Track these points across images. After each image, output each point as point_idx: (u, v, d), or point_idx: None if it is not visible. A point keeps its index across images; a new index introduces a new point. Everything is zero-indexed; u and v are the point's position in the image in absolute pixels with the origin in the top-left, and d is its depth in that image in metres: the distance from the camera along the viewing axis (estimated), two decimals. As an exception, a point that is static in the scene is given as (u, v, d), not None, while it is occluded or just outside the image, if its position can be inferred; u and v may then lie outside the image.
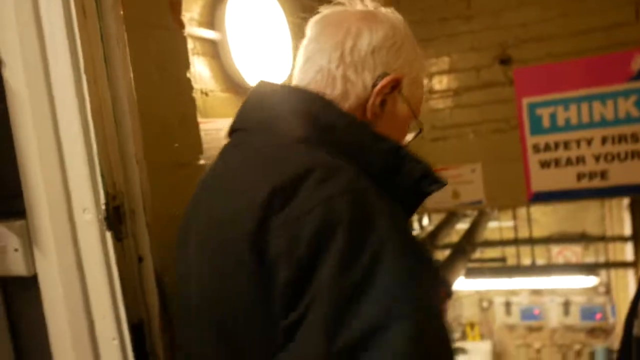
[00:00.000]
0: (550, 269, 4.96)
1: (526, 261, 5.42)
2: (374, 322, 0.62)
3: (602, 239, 5.45)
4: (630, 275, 6.04)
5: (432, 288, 0.71)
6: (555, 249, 7.37)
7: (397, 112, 0.89)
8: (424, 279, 0.70)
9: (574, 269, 4.79)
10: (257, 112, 0.87)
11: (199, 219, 0.85)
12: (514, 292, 7.83)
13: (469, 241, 4.84)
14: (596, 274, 4.68)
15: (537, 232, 5.82)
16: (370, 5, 0.91)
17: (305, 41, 0.91)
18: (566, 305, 7.88)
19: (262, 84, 0.91)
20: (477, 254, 5.34)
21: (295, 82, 0.91)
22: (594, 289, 7.22)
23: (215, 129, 1.58)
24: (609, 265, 5.12)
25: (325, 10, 0.91)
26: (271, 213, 0.69)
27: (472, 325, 8.00)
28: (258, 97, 0.89)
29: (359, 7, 0.90)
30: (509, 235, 5.45)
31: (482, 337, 8.07)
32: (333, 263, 0.64)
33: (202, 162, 1.31)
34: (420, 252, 0.72)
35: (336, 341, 0.62)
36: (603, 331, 7.83)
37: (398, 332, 0.62)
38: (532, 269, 4.89)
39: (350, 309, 0.63)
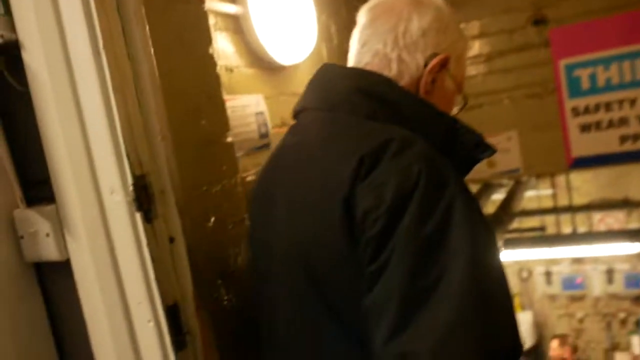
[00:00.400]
0: (592, 236, 4.82)
1: (566, 230, 5.28)
2: (446, 266, 0.73)
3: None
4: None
5: (492, 239, 0.83)
6: (596, 217, 7.16)
7: (445, 88, 0.97)
8: (486, 231, 0.80)
9: (617, 235, 4.63)
10: (328, 93, 0.95)
11: (287, 184, 0.93)
12: (554, 262, 7.65)
13: (506, 211, 4.73)
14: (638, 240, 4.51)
15: (578, 200, 5.66)
16: None
17: (359, 27, 0.98)
18: (609, 273, 7.68)
19: (328, 67, 0.99)
20: (515, 224, 5.22)
21: (352, 64, 0.98)
22: (638, 256, 7.00)
23: (241, 106, 1.54)
24: (654, 230, 4.94)
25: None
26: (359, 179, 0.78)
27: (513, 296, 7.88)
28: (325, 79, 0.98)
29: None
30: (548, 204, 5.31)
31: (522, 307, 7.93)
32: (411, 218, 0.74)
33: (229, 139, 1.28)
34: (479, 210, 0.83)
35: (415, 283, 0.72)
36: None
37: (465, 275, 0.72)
38: (573, 237, 4.75)
39: (427, 256, 0.73)
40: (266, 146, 1.65)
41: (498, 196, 5.21)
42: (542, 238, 4.85)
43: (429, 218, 0.75)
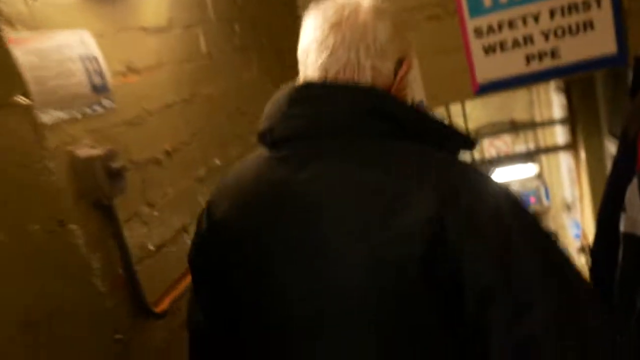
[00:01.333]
0: (489, 163, 4.76)
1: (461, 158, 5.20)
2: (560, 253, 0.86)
3: (536, 125, 5.27)
4: (562, 158, 6.01)
5: None
6: (486, 142, 7.26)
7: (407, 88, 0.97)
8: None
9: (513, 159, 4.60)
10: (328, 116, 0.88)
11: (330, 226, 0.82)
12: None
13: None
14: (534, 161, 4.51)
15: (470, 126, 5.57)
16: None
17: (316, 35, 0.91)
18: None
19: (309, 86, 0.90)
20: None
21: (318, 74, 0.90)
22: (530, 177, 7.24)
23: (55, 47, 1.04)
24: (548, 150, 4.98)
25: (326, 7, 0.92)
26: (447, 207, 0.78)
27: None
28: (314, 101, 0.89)
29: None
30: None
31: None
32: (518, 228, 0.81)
33: (25, 101, 0.80)
34: None
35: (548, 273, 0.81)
36: (537, 215, 7.99)
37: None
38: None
39: (548, 252, 0.84)
40: (106, 105, 1.17)
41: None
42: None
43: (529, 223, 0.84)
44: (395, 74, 0.92)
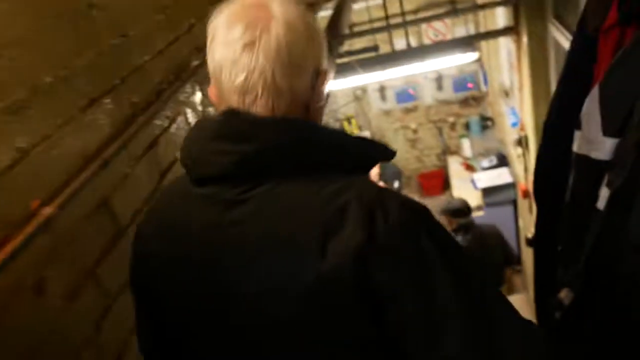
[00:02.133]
0: (427, 50, 4.37)
1: (399, 42, 4.78)
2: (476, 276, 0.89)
3: (477, 7, 4.84)
4: (501, 42, 5.68)
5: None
6: (423, 25, 6.80)
7: (324, 96, 0.96)
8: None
9: (450, 45, 4.22)
10: (249, 157, 0.85)
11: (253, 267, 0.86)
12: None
13: (335, 32, 4.06)
14: (475, 49, 4.16)
15: (407, 6, 5.04)
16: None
17: (228, 54, 0.87)
18: (439, 80, 7.64)
19: (230, 120, 0.88)
20: (346, 46, 4.61)
21: (236, 98, 0.88)
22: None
23: None
24: (488, 35, 4.63)
25: (235, 17, 0.88)
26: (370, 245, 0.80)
27: (349, 119, 7.63)
28: (236, 139, 0.86)
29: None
30: (379, 14, 4.69)
31: (360, 128, 7.79)
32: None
33: None
34: None
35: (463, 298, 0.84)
36: (475, 100, 7.81)
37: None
38: (408, 54, 4.27)
39: (462, 276, 0.85)
40: None
41: (325, 13, 4.50)
42: (376, 59, 4.32)
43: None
44: (312, 86, 0.92)
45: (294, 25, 0.88)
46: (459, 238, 4.53)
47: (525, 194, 4.67)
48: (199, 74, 1.79)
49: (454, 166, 7.08)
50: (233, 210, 0.86)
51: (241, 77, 0.87)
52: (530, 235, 4.93)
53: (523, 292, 5.95)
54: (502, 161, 5.95)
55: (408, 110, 8.06)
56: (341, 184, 0.84)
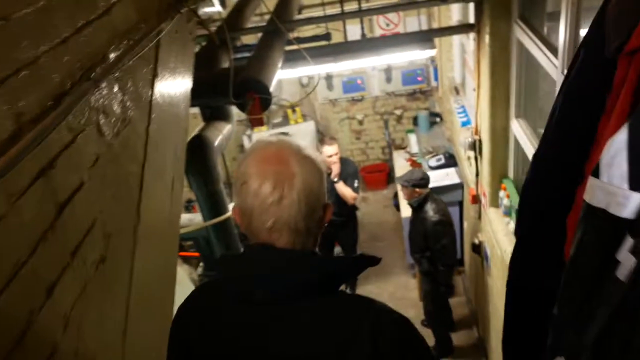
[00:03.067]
0: (385, 43, 4.07)
1: (352, 32, 4.47)
2: None
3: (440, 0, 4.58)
4: (455, 37, 5.48)
5: None
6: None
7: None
8: None
9: (408, 39, 3.95)
10: (285, 286, 1.13)
11: None
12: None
13: (284, 18, 3.71)
14: (433, 45, 3.90)
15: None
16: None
17: (258, 201, 1.13)
18: (388, 71, 7.40)
19: (269, 254, 1.16)
20: (295, 33, 4.25)
21: (265, 235, 1.16)
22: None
23: None
24: (446, 30, 4.38)
25: (265, 173, 1.13)
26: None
27: (293, 107, 7.27)
28: (276, 274, 1.15)
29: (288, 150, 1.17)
30: None
31: (304, 117, 7.45)
32: None
33: None
34: None
35: None
36: (423, 94, 7.63)
37: None
38: (363, 46, 3.96)
39: None
40: None
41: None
42: (329, 49, 3.98)
43: None
44: (321, 219, 1.20)
45: (310, 177, 1.14)
46: (430, 207, 4.67)
47: (475, 200, 4.50)
48: (120, 68, 1.41)
49: (399, 161, 6.87)
50: (269, 323, 1.12)
51: (269, 222, 1.13)
52: (477, 241, 4.82)
53: (463, 295, 5.86)
54: (450, 161, 5.78)
55: (355, 101, 7.79)
56: (350, 309, 1.15)
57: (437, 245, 4.64)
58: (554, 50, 2.73)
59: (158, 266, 1.57)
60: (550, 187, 1.39)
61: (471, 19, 3.95)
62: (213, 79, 3.06)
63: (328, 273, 1.15)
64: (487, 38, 3.61)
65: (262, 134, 7.16)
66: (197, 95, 3.18)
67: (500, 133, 3.81)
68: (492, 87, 3.70)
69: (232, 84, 2.72)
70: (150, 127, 1.55)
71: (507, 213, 3.81)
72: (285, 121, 7.37)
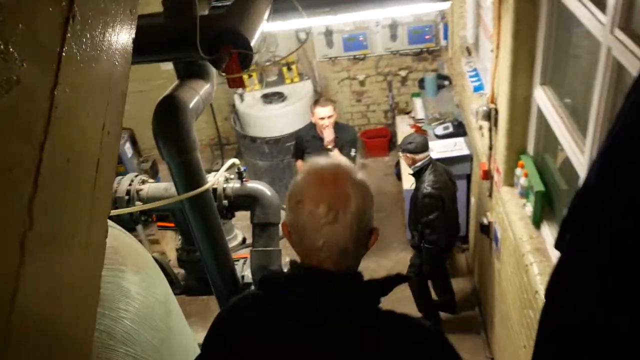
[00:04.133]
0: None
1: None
2: None
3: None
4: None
5: None
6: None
7: None
8: None
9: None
10: (335, 308, 1.22)
11: None
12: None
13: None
14: (446, -3, 3.34)
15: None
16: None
17: (312, 221, 1.22)
18: (393, 28, 6.80)
19: (325, 279, 1.25)
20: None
21: (316, 255, 1.24)
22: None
23: None
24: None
25: (322, 196, 1.22)
26: None
27: (289, 65, 6.69)
28: (332, 295, 1.23)
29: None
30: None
31: (301, 76, 6.88)
32: None
33: None
34: None
35: None
36: (431, 54, 7.04)
37: None
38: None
39: None
40: None
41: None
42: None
43: None
44: (366, 244, 1.29)
45: (362, 202, 1.23)
46: (427, 178, 4.32)
47: (486, 175, 4.02)
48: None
49: (403, 127, 6.35)
50: (335, 341, 1.22)
51: (320, 242, 1.23)
52: (486, 221, 4.37)
53: (467, 276, 5.45)
54: (459, 130, 5.27)
55: (356, 59, 7.20)
56: (396, 328, 1.27)
57: (423, 218, 4.27)
58: (600, 3, 2.21)
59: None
60: (597, 225, 0.96)
61: (493, -33, 3.38)
62: (183, 29, 2.54)
63: (375, 292, 1.25)
64: (511, -11, 3.05)
65: (254, 93, 6.61)
66: (163, 48, 2.70)
67: (520, 102, 3.30)
68: (514, 49, 3.16)
69: (199, 32, 2.20)
70: (56, 90, 1.04)
71: (524, 194, 3.34)
72: (281, 80, 6.80)
